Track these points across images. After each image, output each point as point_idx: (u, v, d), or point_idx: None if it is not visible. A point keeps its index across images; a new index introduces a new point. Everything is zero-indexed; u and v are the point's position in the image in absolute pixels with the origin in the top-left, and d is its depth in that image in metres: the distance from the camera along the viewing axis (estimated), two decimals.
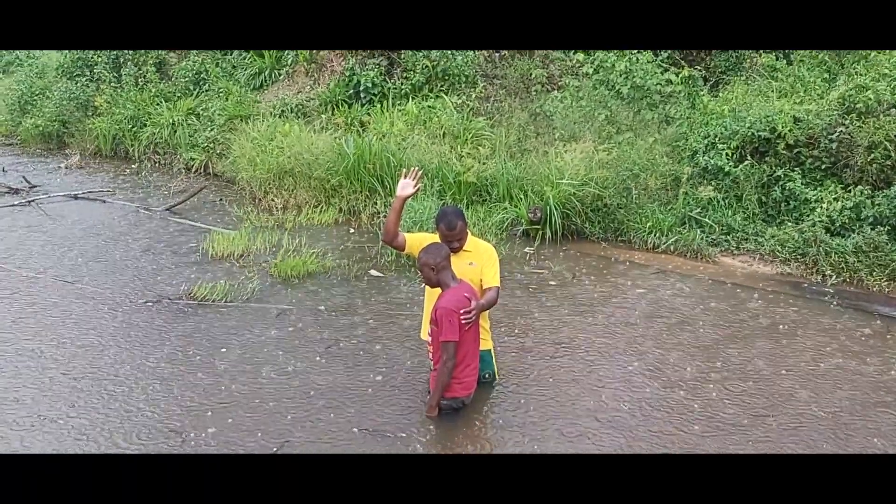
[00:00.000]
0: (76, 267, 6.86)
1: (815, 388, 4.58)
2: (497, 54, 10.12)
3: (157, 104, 11.63)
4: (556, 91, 9.31)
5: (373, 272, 6.63)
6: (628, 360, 4.96)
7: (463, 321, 3.98)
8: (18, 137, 13.33)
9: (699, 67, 9.10)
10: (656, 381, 4.66)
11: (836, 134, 6.87)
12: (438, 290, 4.15)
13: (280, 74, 11.24)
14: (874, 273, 6.17)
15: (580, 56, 9.22)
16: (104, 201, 9.34)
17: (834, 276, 6.29)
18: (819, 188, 6.91)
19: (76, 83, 12.60)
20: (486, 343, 4.43)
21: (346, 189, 8.41)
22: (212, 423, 4.22)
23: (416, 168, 4.42)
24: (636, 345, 5.17)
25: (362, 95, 9.91)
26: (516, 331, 5.41)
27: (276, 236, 7.44)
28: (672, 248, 7.04)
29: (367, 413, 4.31)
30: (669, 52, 8.97)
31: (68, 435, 4.13)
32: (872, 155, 6.66)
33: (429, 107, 9.31)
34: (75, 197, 9.52)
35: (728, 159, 7.32)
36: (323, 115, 9.88)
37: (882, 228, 6.33)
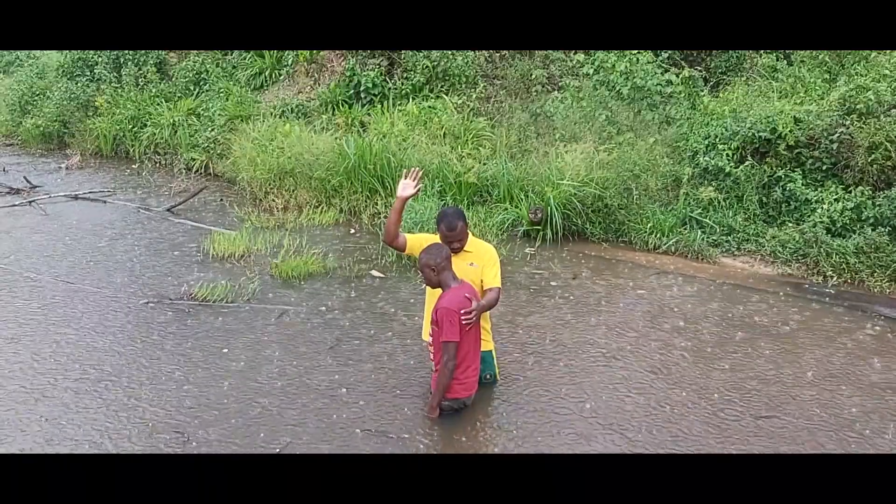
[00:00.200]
0: (76, 267, 6.86)
1: (816, 389, 4.58)
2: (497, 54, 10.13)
3: (158, 104, 11.63)
4: (556, 91, 9.31)
5: (374, 273, 6.63)
6: (629, 360, 4.96)
7: (463, 321, 3.98)
8: (19, 137, 13.33)
9: (699, 68, 9.09)
10: (657, 382, 4.66)
11: (837, 134, 6.87)
12: (439, 290, 4.15)
13: (280, 74, 11.24)
14: (875, 274, 6.18)
15: (580, 56, 9.23)
16: (105, 201, 9.33)
17: (835, 277, 6.29)
18: (820, 189, 6.91)
19: (76, 83, 12.59)
20: (487, 344, 4.44)
21: (347, 189, 8.42)
22: (214, 423, 4.23)
23: (417, 168, 4.42)
24: (637, 345, 5.17)
25: (363, 96, 9.92)
26: (517, 331, 5.41)
27: (277, 237, 7.44)
28: (673, 248, 7.04)
29: (368, 414, 4.31)
30: (670, 52, 8.97)
31: (69, 435, 4.12)
32: (873, 156, 6.66)
33: (429, 107, 9.31)
34: (76, 197, 9.52)
35: (729, 160, 7.32)
36: (323, 116, 9.88)
37: (883, 229, 6.33)
